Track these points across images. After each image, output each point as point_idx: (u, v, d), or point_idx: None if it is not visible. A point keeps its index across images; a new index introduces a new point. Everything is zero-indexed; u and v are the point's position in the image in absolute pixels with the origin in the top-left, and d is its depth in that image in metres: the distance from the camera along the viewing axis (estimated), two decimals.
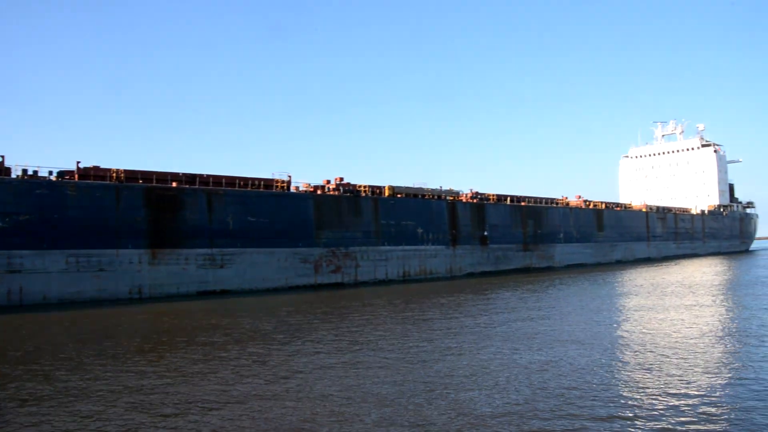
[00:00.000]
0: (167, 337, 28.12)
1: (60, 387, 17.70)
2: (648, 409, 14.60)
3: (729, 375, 17.92)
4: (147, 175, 50.79)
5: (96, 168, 49.11)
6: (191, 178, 52.89)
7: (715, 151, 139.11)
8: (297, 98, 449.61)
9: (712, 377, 17.61)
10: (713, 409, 14.52)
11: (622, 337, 24.87)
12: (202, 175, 53.71)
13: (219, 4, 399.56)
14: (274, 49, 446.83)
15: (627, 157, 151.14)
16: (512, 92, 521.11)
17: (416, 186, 70.41)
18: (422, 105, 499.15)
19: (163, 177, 51.63)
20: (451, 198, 72.87)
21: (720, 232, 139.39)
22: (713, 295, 41.49)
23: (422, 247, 66.98)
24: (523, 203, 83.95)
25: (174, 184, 51.44)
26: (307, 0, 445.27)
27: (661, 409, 14.54)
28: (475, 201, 75.92)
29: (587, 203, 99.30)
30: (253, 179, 56.32)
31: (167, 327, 32.69)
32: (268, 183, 57.44)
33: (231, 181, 54.90)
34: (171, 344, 25.73)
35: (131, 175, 50.06)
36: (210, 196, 52.22)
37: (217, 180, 54.08)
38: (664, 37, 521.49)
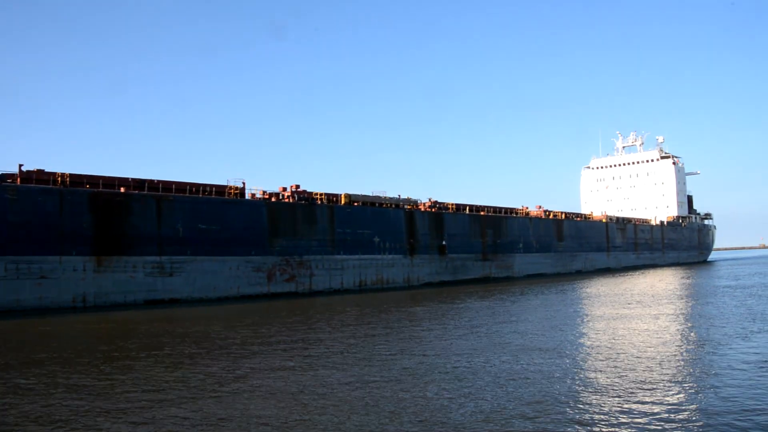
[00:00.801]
0: (83, 347, 26.94)
1: None
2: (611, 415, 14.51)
3: (687, 380, 18.12)
4: (93, 180, 49.33)
5: (39, 171, 47.51)
6: (140, 184, 51.56)
7: (674, 163, 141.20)
8: (253, 105, 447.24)
9: (671, 384, 17.70)
10: (675, 414, 14.68)
11: (583, 345, 24.44)
12: (152, 180, 52.43)
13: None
14: (232, 55, 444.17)
15: (588, 167, 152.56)
16: (474, 103, 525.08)
17: (374, 194, 69.82)
18: (383, 114, 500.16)
19: (111, 182, 50.22)
20: (410, 207, 72.36)
21: (679, 242, 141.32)
22: (674, 304, 41.42)
23: (379, 256, 66.29)
24: (482, 213, 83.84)
25: (122, 190, 50.06)
26: (257, 9, 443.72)
27: (627, 415, 14.60)
28: (433, 210, 75.54)
29: (547, 213, 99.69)
30: (205, 185, 55.13)
31: (99, 335, 31.51)
32: (221, 189, 56.29)
33: (182, 187, 53.65)
34: (86, 354, 24.58)
35: (77, 180, 48.55)
36: (159, 202, 50.93)
37: (167, 186, 52.81)
38: (626, 51, 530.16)
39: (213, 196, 54.97)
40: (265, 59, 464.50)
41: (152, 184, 52.13)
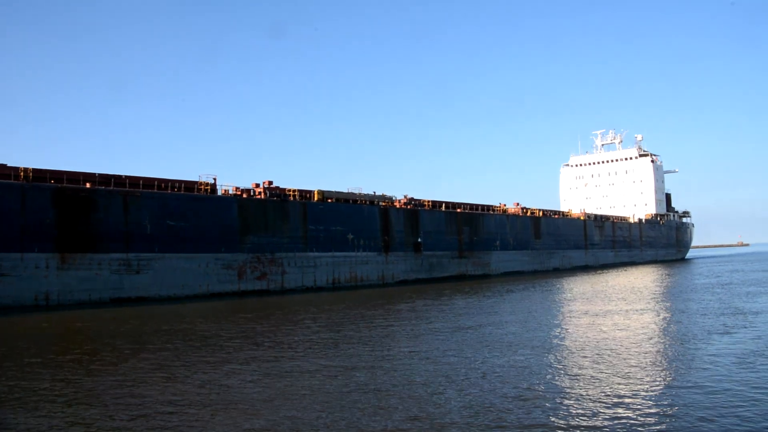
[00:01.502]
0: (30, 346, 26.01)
1: None
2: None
3: (666, 375, 18.24)
4: (57, 175, 48.16)
5: (2, 166, 46.23)
6: (106, 179, 50.41)
7: (652, 161, 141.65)
8: (226, 101, 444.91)
9: (648, 381, 17.64)
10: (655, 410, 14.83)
11: (561, 344, 23.91)
12: (119, 176, 51.32)
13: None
14: (232, 55, 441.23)
15: (567, 165, 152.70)
16: (452, 100, 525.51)
17: (348, 191, 69.08)
18: (362, 110, 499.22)
19: (76, 177, 49.06)
20: (385, 204, 71.67)
21: (657, 240, 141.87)
22: (653, 302, 41.07)
23: (353, 253, 65.58)
24: (459, 210, 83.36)
25: (87, 185, 48.93)
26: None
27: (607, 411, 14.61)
28: (409, 207, 74.90)
29: (525, 211, 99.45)
30: (174, 181, 54.14)
31: (48, 334, 30.58)
32: (190, 186, 55.29)
33: (150, 182, 52.59)
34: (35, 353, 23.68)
35: (40, 175, 47.35)
36: (126, 198, 49.86)
37: (135, 181, 51.73)
38: (606, 49, 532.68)
39: (182, 192, 53.97)
40: (261, 58, 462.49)
41: (119, 180, 51.03)
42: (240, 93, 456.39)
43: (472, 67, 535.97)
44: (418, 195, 78.13)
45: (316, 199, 63.88)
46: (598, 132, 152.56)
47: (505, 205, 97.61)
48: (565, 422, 13.77)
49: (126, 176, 51.66)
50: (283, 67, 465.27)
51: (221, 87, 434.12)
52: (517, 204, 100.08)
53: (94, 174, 50.29)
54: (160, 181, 53.40)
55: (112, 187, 49.86)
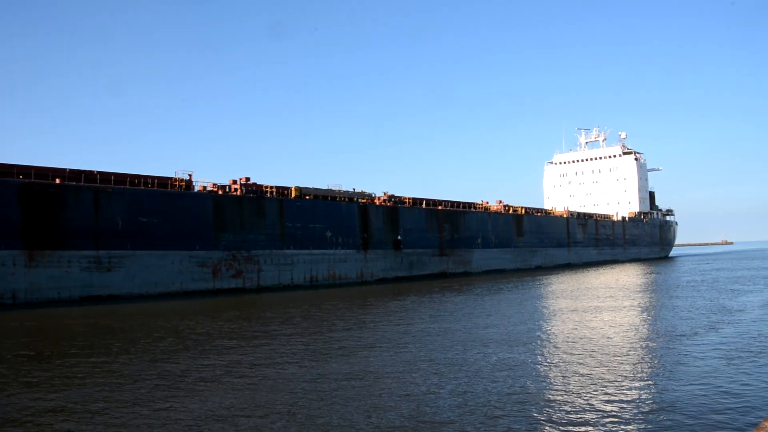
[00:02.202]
0: None
1: None
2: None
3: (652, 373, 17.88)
4: (25, 170, 46.99)
5: None
6: (77, 175, 49.32)
7: (636, 158, 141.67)
8: (225, 101, 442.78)
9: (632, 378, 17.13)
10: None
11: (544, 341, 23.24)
12: (90, 171, 50.25)
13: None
14: (230, 55, 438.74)
15: (551, 163, 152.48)
16: (438, 99, 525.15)
17: (326, 188, 68.22)
18: (344, 106, 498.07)
19: (44, 172, 47.91)
20: (364, 201, 70.87)
21: (640, 238, 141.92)
22: (637, 300, 40.59)
23: (331, 251, 64.74)
24: (440, 207, 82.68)
25: (57, 181, 47.82)
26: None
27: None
28: (389, 204, 74.11)
29: (507, 208, 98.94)
30: (147, 177, 53.07)
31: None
32: (164, 182, 54.27)
33: (121, 178, 51.52)
34: None
35: (7, 170, 46.15)
36: (97, 194, 48.75)
37: (106, 177, 50.65)
38: (590, 47, 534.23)
39: (155, 188, 52.93)
40: (257, 57, 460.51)
41: (90, 176, 49.96)
42: (238, 92, 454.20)
43: (458, 66, 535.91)
44: (399, 192, 77.31)
45: (293, 195, 62.95)
46: (582, 130, 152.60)
47: (487, 202, 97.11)
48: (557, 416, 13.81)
49: (97, 172, 50.59)
50: (280, 67, 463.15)
51: (222, 87, 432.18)
52: (500, 202, 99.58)
53: (65, 169, 49.20)
54: (133, 176, 52.36)
55: (82, 183, 48.77)
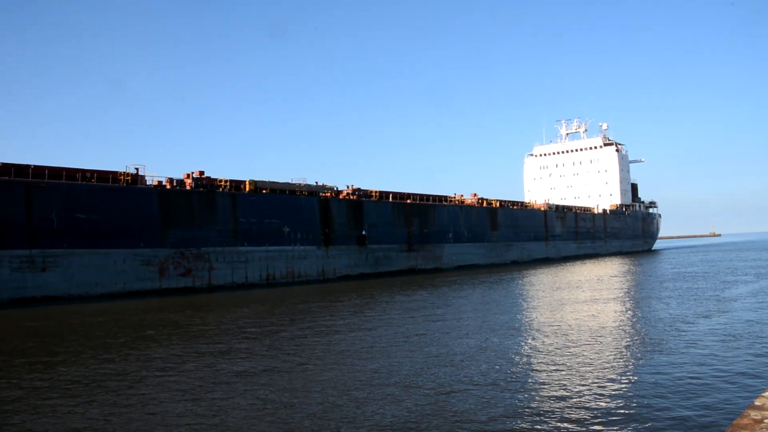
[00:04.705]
0: None
1: None
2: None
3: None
4: None
5: None
6: (7, 169, 46.25)
7: (617, 150, 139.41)
8: (223, 100, 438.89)
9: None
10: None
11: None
12: (23, 165, 47.21)
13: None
14: (230, 56, 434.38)
15: (531, 155, 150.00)
16: (412, 88, 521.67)
17: (291, 181, 65.43)
18: (311, 100, 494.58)
19: None
20: (326, 194, 68.07)
21: (622, 231, 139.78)
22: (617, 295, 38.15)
23: (289, 247, 61.92)
24: (408, 201, 79.97)
25: None
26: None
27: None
28: (353, 198, 71.33)
29: (481, 201, 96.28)
30: (85, 171, 50.10)
31: None
32: (105, 176, 51.28)
33: (57, 172, 48.53)
34: None
35: None
36: (29, 189, 45.80)
37: (40, 171, 47.64)
38: (571, 37, 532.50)
39: (94, 183, 50.01)
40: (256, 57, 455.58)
41: (22, 170, 46.95)
42: (234, 92, 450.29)
43: (439, 58, 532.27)
44: (366, 186, 74.53)
45: (248, 189, 60.05)
46: (563, 121, 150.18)
47: (462, 196, 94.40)
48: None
49: (30, 166, 47.58)
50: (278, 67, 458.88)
51: (220, 86, 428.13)
52: (475, 195, 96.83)
53: None
54: (70, 170, 49.39)
55: (12, 177, 45.80)
